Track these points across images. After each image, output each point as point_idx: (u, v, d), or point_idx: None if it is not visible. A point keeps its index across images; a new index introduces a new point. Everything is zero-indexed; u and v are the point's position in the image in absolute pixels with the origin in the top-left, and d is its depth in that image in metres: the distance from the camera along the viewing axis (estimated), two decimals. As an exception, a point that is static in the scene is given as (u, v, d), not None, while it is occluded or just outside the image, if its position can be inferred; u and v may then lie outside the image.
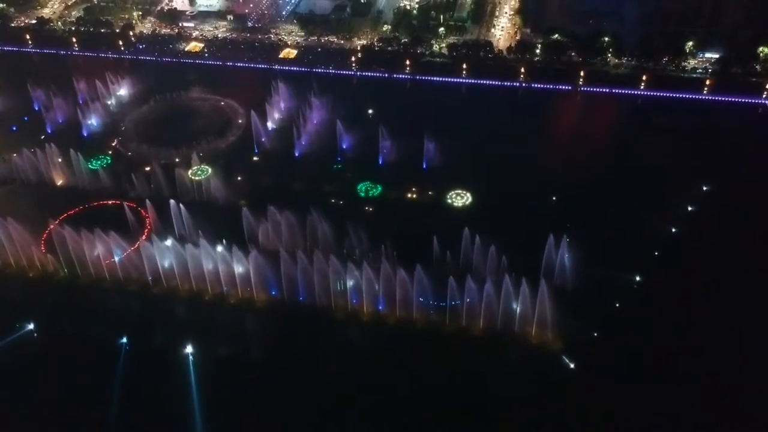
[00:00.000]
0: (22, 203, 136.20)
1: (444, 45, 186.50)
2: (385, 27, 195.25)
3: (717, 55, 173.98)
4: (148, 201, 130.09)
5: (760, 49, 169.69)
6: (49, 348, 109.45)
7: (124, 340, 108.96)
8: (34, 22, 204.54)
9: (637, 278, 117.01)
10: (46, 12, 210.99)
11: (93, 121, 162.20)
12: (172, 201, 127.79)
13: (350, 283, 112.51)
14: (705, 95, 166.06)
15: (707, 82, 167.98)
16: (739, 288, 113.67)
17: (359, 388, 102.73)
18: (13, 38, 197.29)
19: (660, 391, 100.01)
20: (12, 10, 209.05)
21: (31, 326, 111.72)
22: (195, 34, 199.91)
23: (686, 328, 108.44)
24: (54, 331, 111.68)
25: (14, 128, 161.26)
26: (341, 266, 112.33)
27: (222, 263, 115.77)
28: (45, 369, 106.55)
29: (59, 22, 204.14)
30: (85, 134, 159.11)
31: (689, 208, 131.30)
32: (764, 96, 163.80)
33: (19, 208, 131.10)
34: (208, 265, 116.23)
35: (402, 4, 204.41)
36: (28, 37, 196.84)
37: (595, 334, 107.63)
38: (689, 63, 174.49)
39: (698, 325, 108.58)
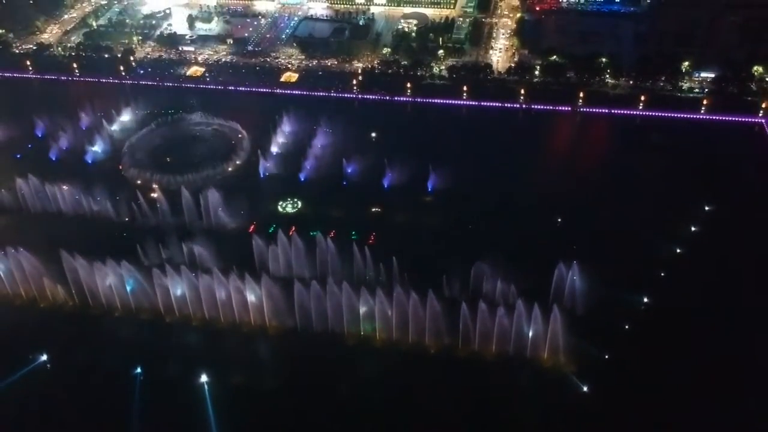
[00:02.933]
0: (29, 232, 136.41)
1: (443, 67, 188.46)
2: (385, 50, 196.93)
3: (713, 75, 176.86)
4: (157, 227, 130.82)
5: (755, 68, 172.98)
6: (62, 379, 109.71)
7: (139, 370, 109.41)
8: (33, 47, 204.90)
9: (645, 300, 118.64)
10: (45, 37, 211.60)
11: (97, 148, 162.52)
12: (182, 226, 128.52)
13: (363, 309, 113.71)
14: (702, 115, 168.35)
15: (704, 102, 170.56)
16: (745, 306, 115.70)
17: (373, 414, 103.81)
18: (14, 64, 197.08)
19: (672, 411, 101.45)
20: (11, 35, 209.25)
21: (44, 357, 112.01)
22: (196, 58, 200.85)
23: (694, 348, 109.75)
24: (68, 363, 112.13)
25: (18, 156, 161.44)
26: (353, 291, 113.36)
27: (234, 290, 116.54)
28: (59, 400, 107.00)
29: (59, 48, 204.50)
30: (90, 161, 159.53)
31: (692, 228, 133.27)
32: (760, 114, 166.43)
33: (27, 237, 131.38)
34: (220, 293, 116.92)
35: (400, 27, 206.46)
36: (28, 63, 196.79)
37: (606, 357, 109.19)
38: (686, 83, 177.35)
39: (706, 344, 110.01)
